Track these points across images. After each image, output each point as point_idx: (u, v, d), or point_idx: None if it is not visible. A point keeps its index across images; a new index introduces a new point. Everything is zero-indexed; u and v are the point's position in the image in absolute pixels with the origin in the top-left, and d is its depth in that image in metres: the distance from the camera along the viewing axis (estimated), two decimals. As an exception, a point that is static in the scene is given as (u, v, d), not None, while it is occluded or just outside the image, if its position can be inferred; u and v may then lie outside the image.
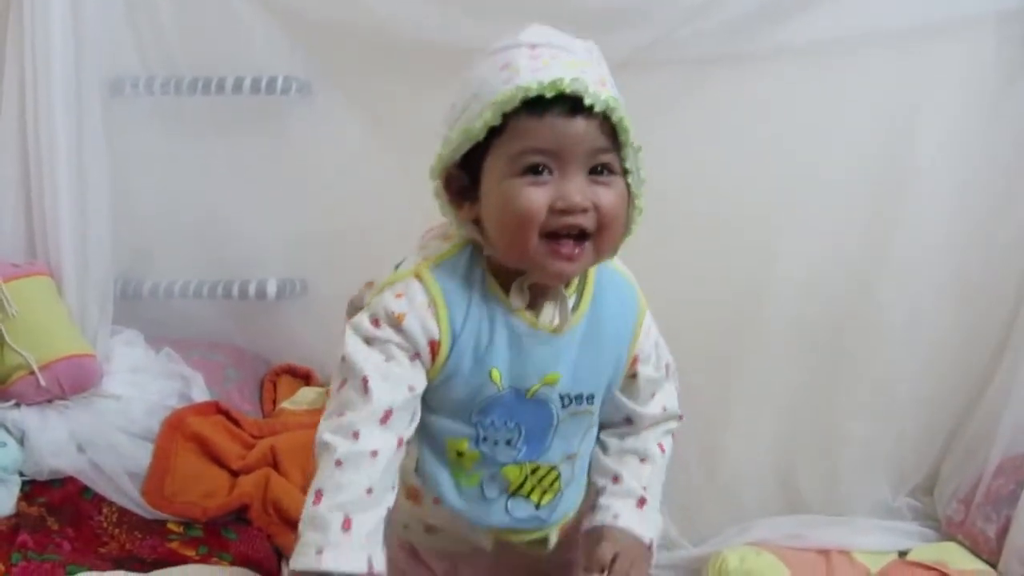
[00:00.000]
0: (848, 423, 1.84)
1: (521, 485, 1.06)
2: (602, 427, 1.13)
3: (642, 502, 1.09)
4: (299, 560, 0.93)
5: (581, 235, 0.97)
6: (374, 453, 0.95)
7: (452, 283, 1.00)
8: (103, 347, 1.90)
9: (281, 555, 1.59)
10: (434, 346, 0.99)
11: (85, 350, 1.83)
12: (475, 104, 0.96)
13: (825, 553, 1.72)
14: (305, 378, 2.10)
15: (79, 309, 1.88)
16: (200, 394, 1.91)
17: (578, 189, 0.95)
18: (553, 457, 1.06)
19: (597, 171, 0.96)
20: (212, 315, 2.12)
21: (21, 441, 1.68)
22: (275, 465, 1.73)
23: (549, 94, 0.92)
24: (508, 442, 1.04)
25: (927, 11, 1.73)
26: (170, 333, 2.06)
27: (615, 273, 1.08)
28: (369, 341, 0.98)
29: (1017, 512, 1.61)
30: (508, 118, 0.94)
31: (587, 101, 0.93)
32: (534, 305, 1.02)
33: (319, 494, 0.93)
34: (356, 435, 0.95)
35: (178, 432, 1.77)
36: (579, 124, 0.94)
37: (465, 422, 1.03)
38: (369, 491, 0.94)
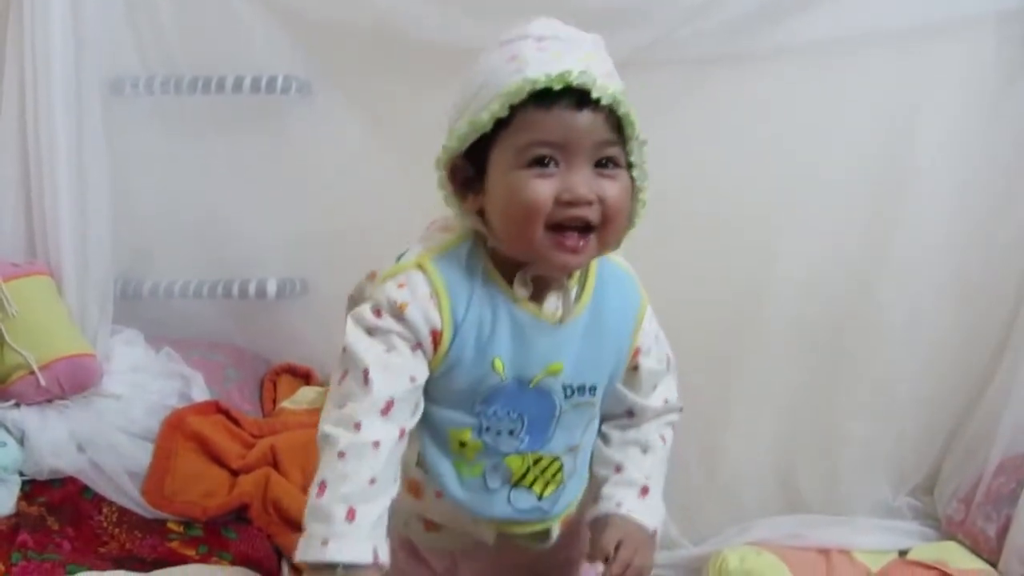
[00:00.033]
0: (848, 423, 1.84)
1: (524, 476, 1.06)
2: (603, 420, 1.14)
3: (645, 491, 1.09)
4: (305, 552, 0.93)
5: (586, 227, 0.97)
6: (376, 444, 0.95)
7: (454, 273, 1.01)
8: (103, 347, 1.90)
9: (281, 555, 1.59)
10: (436, 336, 0.99)
11: (85, 350, 1.83)
12: (482, 95, 0.96)
13: (825, 553, 1.72)
14: (305, 377, 2.10)
15: (79, 309, 1.88)
16: (200, 394, 1.91)
17: (584, 182, 0.96)
18: (556, 448, 1.07)
19: (602, 164, 0.97)
20: (212, 315, 2.12)
21: (21, 441, 1.68)
22: (275, 464, 1.73)
23: (557, 86, 0.93)
24: (511, 432, 1.04)
25: (927, 11, 1.73)
26: (170, 333, 2.06)
27: (616, 267, 1.09)
28: (371, 332, 0.99)
29: (1017, 511, 1.61)
30: (515, 110, 0.95)
31: (594, 94, 0.93)
32: (537, 296, 1.03)
33: (322, 486, 0.94)
34: (358, 426, 0.95)
35: (178, 432, 1.77)
36: (586, 117, 0.95)
37: (468, 412, 1.03)
38: (372, 481, 0.94)
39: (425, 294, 0.99)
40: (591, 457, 1.13)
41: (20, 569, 1.43)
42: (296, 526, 1.59)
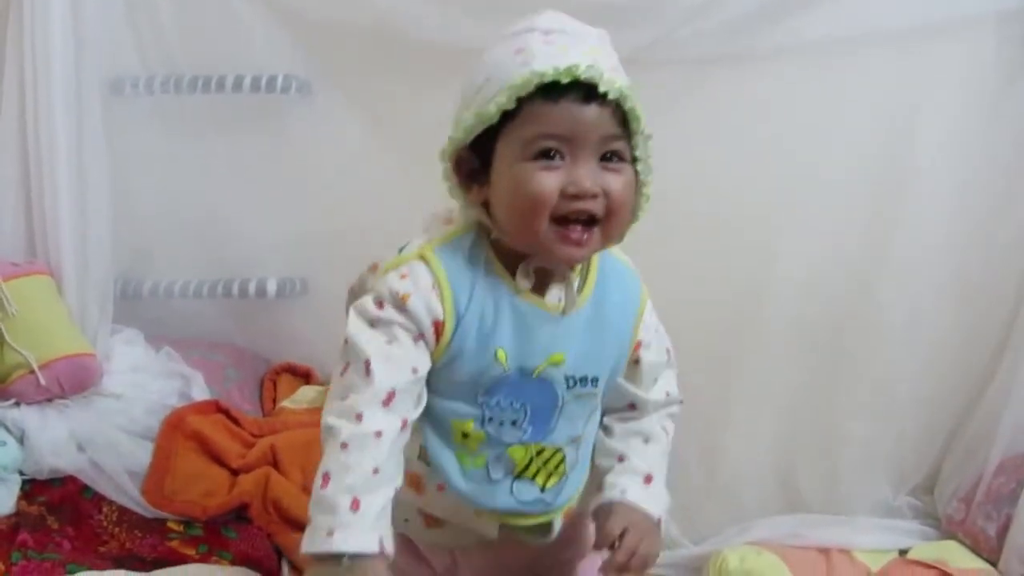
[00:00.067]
0: (848, 423, 1.84)
1: (527, 467, 1.06)
2: (605, 413, 1.14)
3: (649, 479, 1.10)
4: (310, 543, 0.93)
5: (590, 220, 0.98)
6: (378, 434, 0.95)
7: (457, 264, 1.01)
8: (103, 346, 1.89)
9: (281, 554, 1.59)
10: (438, 326, 1.00)
11: (85, 349, 1.82)
12: (488, 88, 0.97)
13: (825, 552, 1.72)
14: (305, 377, 2.10)
15: (79, 308, 1.88)
16: (200, 393, 1.91)
17: (589, 175, 0.96)
18: (558, 439, 1.07)
19: (607, 158, 0.98)
20: (212, 314, 2.12)
21: (21, 440, 1.68)
22: (275, 464, 1.73)
23: (565, 80, 0.94)
24: (514, 423, 1.04)
25: (927, 11, 1.73)
26: (170, 332, 2.06)
27: (616, 261, 1.10)
28: (373, 323, 0.99)
29: (1017, 511, 1.61)
30: (522, 102, 0.95)
31: (602, 88, 0.94)
32: (539, 288, 1.03)
33: (326, 477, 0.94)
34: (359, 417, 0.95)
35: (178, 431, 1.77)
36: (593, 111, 0.95)
37: (471, 403, 1.03)
38: (376, 471, 0.95)
39: (427, 285, 1.00)
40: (593, 449, 1.13)
41: (20, 568, 1.43)
42: (296, 525, 1.59)
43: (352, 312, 1.01)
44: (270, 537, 1.61)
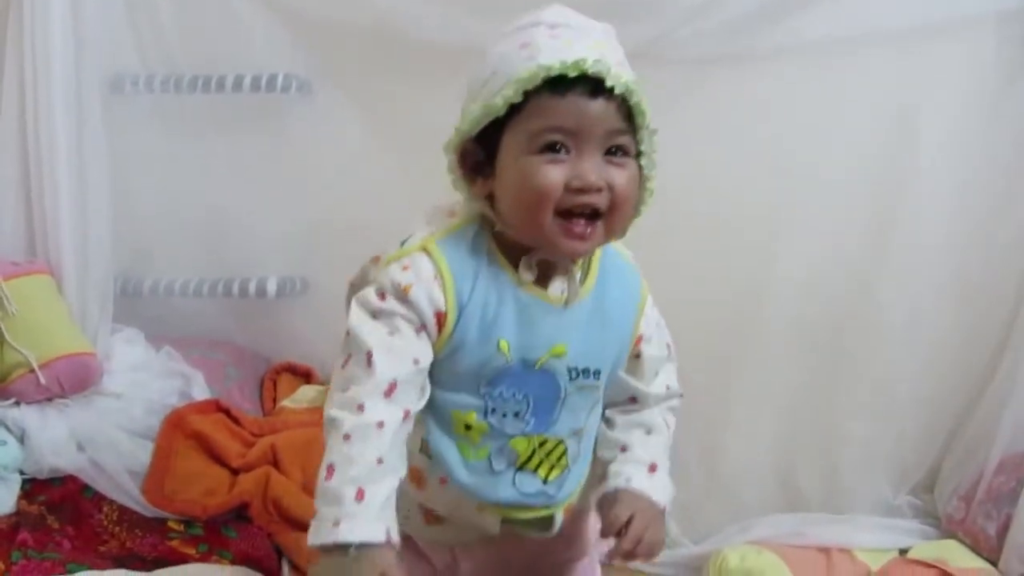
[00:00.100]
0: (848, 423, 1.84)
1: (529, 459, 1.06)
2: (607, 407, 1.14)
3: (653, 467, 1.10)
4: (317, 535, 0.93)
5: (594, 214, 0.98)
6: (380, 424, 0.96)
7: (459, 255, 1.02)
8: (103, 345, 1.90)
9: (281, 553, 1.59)
10: (440, 317, 1.00)
11: (85, 348, 1.83)
12: (494, 81, 0.97)
13: (826, 551, 1.72)
14: (305, 376, 2.10)
15: (79, 307, 1.88)
16: (200, 392, 1.91)
17: (594, 169, 0.97)
18: (561, 431, 1.07)
19: (612, 152, 0.98)
20: (212, 313, 2.12)
21: (21, 439, 1.68)
22: (275, 463, 1.73)
23: (572, 74, 0.94)
24: (516, 414, 1.04)
25: (927, 11, 1.73)
26: (170, 331, 2.06)
27: (617, 256, 1.10)
28: (375, 314, 0.99)
29: (1018, 510, 1.61)
30: (529, 96, 0.95)
31: (608, 83, 0.94)
32: (542, 280, 1.03)
33: (330, 469, 0.94)
34: (361, 408, 0.96)
35: (178, 430, 1.77)
36: (599, 105, 0.96)
37: (473, 394, 1.03)
38: (379, 461, 0.95)
39: (429, 276, 1.00)
40: (596, 443, 1.13)
41: (20, 568, 1.43)
42: (296, 525, 1.59)
43: (354, 303, 1.01)
44: (270, 536, 1.61)
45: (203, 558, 1.53)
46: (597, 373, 1.07)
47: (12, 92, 1.87)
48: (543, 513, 1.10)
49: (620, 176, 0.98)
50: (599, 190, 0.97)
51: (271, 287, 2.09)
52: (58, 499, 1.63)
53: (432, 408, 1.04)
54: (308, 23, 2.00)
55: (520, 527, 1.11)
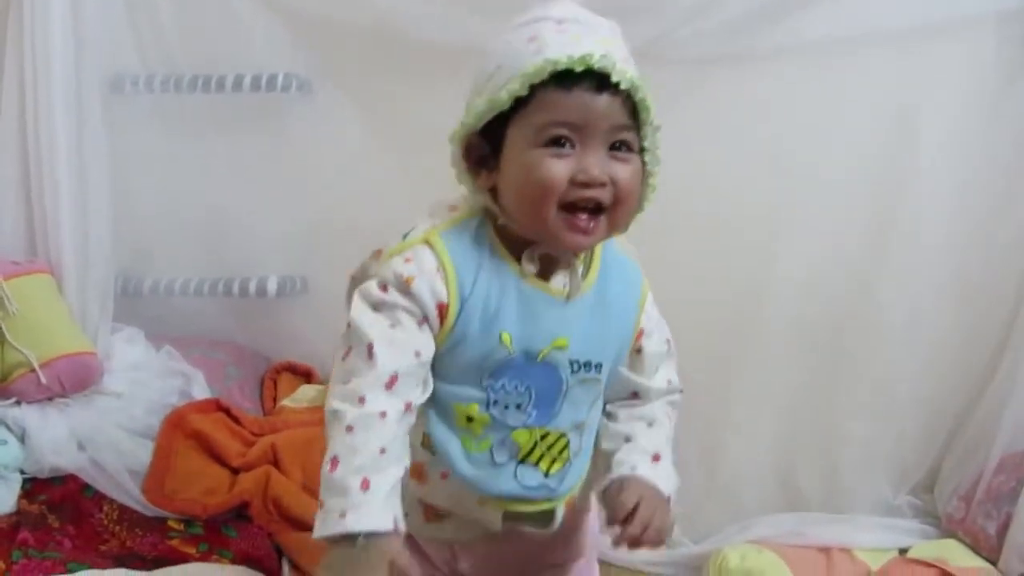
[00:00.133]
0: (848, 423, 1.84)
1: (531, 451, 1.06)
2: (608, 403, 1.14)
3: (657, 457, 1.10)
4: (323, 527, 0.93)
5: (597, 208, 0.99)
6: (382, 414, 0.96)
7: (462, 248, 1.02)
8: (104, 345, 1.90)
9: (281, 553, 1.59)
10: (442, 309, 1.00)
11: (86, 348, 1.83)
12: (500, 75, 0.98)
13: (826, 551, 1.72)
14: (306, 376, 2.11)
15: (80, 307, 1.88)
16: (201, 392, 1.92)
17: (598, 163, 0.97)
18: (562, 424, 1.07)
19: (616, 147, 0.99)
20: (213, 313, 2.13)
21: (22, 439, 1.68)
22: (275, 463, 1.73)
23: (578, 69, 0.95)
24: (518, 406, 1.04)
25: (927, 11, 1.73)
26: (171, 331, 2.06)
27: (618, 251, 1.10)
28: (376, 307, 0.99)
29: (1017, 509, 1.61)
30: (534, 90, 0.96)
31: (614, 78, 0.95)
32: (544, 274, 1.04)
33: (334, 461, 0.94)
34: (362, 400, 0.96)
35: (179, 430, 1.77)
36: (604, 100, 0.96)
37: (475, 386, 1.03)
38: (383, 451, 0.95)
39: (432, 268, 1.00)
40: (597, 437, 1.13)
41: (21, 567, 1.43)
42: (297, 524, 1.59)
43: (356, 296, 1.01)
44: (270, 536, 1.61)
45: (203, 557, 1.54)
46: (599, 366, 1.07)
47: (12, 92, 1.87)
48: (544, 507, 1.10)
49: (624, 171, 0.98)
50: (603, 184, 0.97)
51: (271, 287, 2.09)
52: (58, 498, 1.63)
53: (434, 400, 1.04)
54: (308, 23, 2.00)
55: (521, 521, 1.11)
